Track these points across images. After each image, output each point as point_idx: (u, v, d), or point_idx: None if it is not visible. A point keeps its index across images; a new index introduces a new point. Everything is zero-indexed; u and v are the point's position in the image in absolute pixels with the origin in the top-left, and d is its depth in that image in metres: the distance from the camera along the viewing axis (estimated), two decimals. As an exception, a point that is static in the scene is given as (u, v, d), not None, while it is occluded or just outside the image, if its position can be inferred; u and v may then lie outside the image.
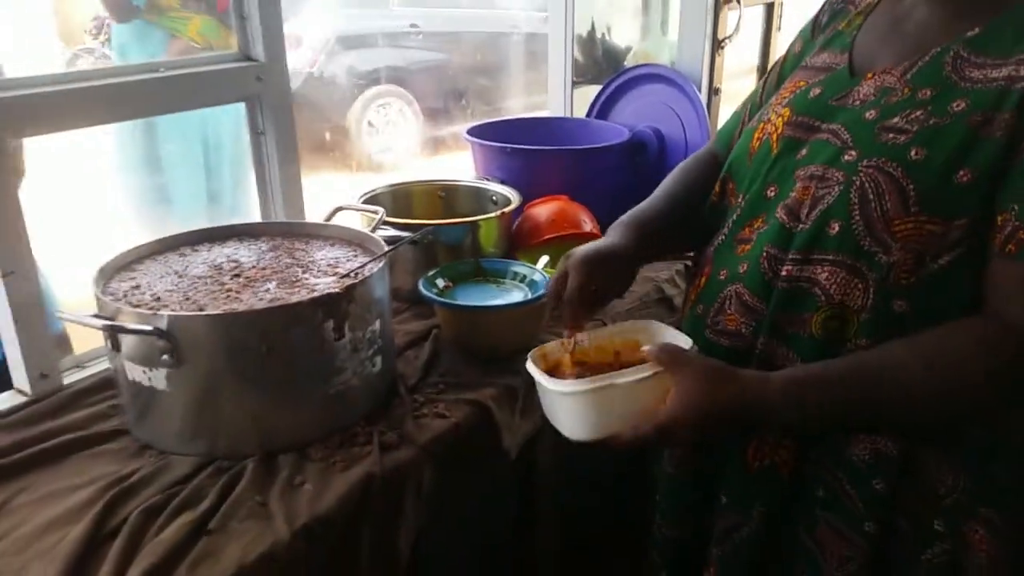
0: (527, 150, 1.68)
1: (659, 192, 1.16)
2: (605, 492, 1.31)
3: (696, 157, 1.20)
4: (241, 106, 1.39)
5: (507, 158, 1.69)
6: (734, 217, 1.00)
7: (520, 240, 1.55)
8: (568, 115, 2.07)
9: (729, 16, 1.85)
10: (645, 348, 0.89)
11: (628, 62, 2.10)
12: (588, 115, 1.99)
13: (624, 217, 1.11)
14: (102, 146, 2.73)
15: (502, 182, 1.65)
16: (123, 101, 1.19)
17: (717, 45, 1.82)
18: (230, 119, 2.66)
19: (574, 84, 2.03)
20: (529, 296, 1.28)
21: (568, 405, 0.90)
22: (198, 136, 2.64)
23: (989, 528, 0.90)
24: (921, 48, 0.88)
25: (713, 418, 0.85)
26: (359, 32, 5.34)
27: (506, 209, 1.51)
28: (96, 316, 0.98)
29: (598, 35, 2.16)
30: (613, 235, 1.08)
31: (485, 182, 1.68)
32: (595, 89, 1.98)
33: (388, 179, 1.66)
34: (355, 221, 1.43)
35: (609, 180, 1.70)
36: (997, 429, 0.90)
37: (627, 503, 1.20)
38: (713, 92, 1.88)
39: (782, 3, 2.18)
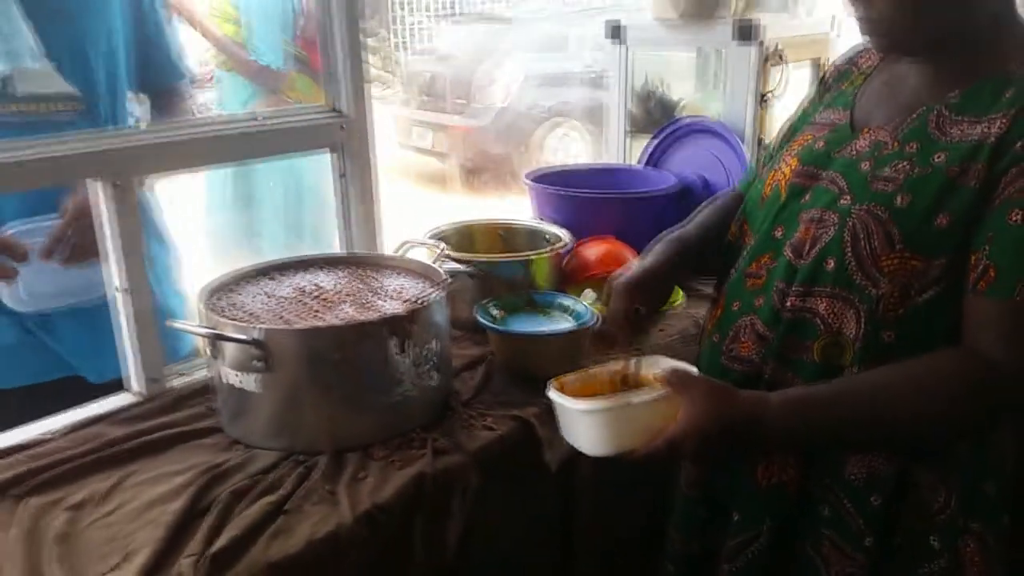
0: (579, 195, 1.84)
1: (694, 218, 1.31)
2: (636, 508, 1.43)
3: (724, 194, 1.35)
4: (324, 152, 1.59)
5: (562, 202, 1.85)
6: (744, 254, 1.13)
7: (570, 276, 1.69)
8: (623, 163, 2.23)
9: (774, 73, 1.98)
10: (658, 372, 1.02)
11: (679, 114, 2.24)
12: (641, 162, 2.14)
13: (663, 235, 1.26)
14: (198, 184, 3.02)
15: (557, 223, 1.81)
16: (227, 147, 1.40)
17: (762, 100, 1.95)
18: (310, 163, 2.92)
19: (630, 135, 2.20)
20: (574, 326, 1.43)
21: (587, 423, 1.01)
22: (281, 178, 2.91)
23: (980, 543, 1.00)
24: (910, 108, 1.02)
25: (717, 434, 0.95)
26: (544, 72, 6.59)
27: (557, 247, 1.67)
28: (203, 326, 1.16)
29: (653, 89, 2.31)
30: (652, 254, 1.21)
31: (541, 223, 1.83)
32: (645, 139, 2.13)
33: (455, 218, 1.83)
34: (422, 254, 1.60)
35: (655, 223, 1.83)
36: (984, 448, 1.00)
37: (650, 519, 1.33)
38: (758, 144, 2.01)
39: (828, 60, 2.30)
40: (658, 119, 2.25)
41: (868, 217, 0.98)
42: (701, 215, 1.32)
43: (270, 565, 0.97)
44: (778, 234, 1.09)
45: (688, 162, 2.02)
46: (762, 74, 1.96)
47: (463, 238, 1.80)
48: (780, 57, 1.97)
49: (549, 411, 1.33)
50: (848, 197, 1.01)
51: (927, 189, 0.95)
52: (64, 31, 1.44)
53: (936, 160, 0.96)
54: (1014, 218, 0.90)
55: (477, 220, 1.86)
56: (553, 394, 1.06)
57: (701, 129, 2.01)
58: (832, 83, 1.19)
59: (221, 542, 0.99)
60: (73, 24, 1.46)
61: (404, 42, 16.12)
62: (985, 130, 0.94)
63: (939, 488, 1.00)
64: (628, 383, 1.11)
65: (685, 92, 2.40)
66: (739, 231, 1.19)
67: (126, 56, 1.54)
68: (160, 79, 1.64)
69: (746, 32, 1.93)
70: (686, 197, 1.93)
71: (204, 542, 0.99)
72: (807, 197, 1.07)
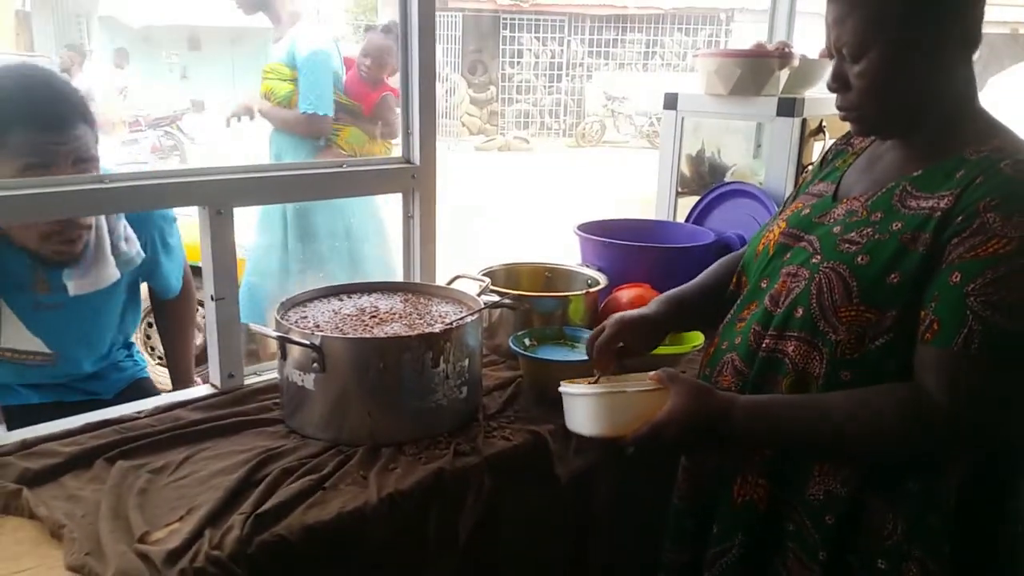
0: (621, 244, 2.02)
1: (697, 279, 1.51)
2: (636, 520, 1.58)
3: (732, 255, 1.52)
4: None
5: (605, 249, 2.04)
6: (739, 301, 1.31)
7: (603, 316, 1.87)
8: (670, 219, 2.40)
9: (815, 146, 2.13)
10: (652, 373, 1.20)
11: (728, 178, 2.41)
12: (689, 219, 2.31)
13: (665, 294, 1.48)
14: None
15: (600, 269, 1.99)
16: (316, 185, 1.67)
17: (801, 169, 2.10)
18: (369, 203, 3.28)
19: (679, 194, 2.38)
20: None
21: (585, 406, 1.21)
22: (341, 216, 3.23)
23: (922, 569, 1.12)
24: (882, 182, 1.20)
25: (692, 424, 1.13)
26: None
27: (592, 289, 1.85)
28: (277, 330, 1.40)
29: (707, 154, 2.49)
30: (651, 306, 1.45)
31: (584, 267, 2.03)
32: (693, 199, 2.31)
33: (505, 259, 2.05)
34: (471, 286, 1.81)
35: (691, 274, 2.00)
36: (930, 483, 1.13)
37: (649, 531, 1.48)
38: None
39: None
40: (708, 182, 2.42)
41: (832, 273, 1.14)
42: (705, 274, 1.52)
43: (305, 527, 1.18)
44: (763, 285, 1.27)
45: (729, 221, 2.18)
46: (803, 146, 2.11)
47: (511, 276, 2.00)
48: (821, 131, 2.11)
49: (565, 430, 1.51)
50: (819, 256, 1.18)
51: (883, 252, 1.11)
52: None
53: (894, 227, 1.12)
54: (954, 279, 1.05)
55: (525, 260, 2.07)
56: (564, 384, 1.27)
57: (744, 193, 2.17)
58: (829, 160, 1.38)
59: (267, 506, 1.20)
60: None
61: (510, 97, 16.77)
62: (935, 204, 1.09)
63: (888, 515, 1.13)
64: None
65: (738, 158, 2.56)
66: (738, 282, 1.39)
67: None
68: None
69: (788, 108, 2.09)
70: (724, 253, 2.08)
71: (254, 505, 1.20)
72: (788, 255, 1.25)
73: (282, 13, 3.23)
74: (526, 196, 9.86)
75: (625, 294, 1.89)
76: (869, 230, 1.14)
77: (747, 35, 15.99)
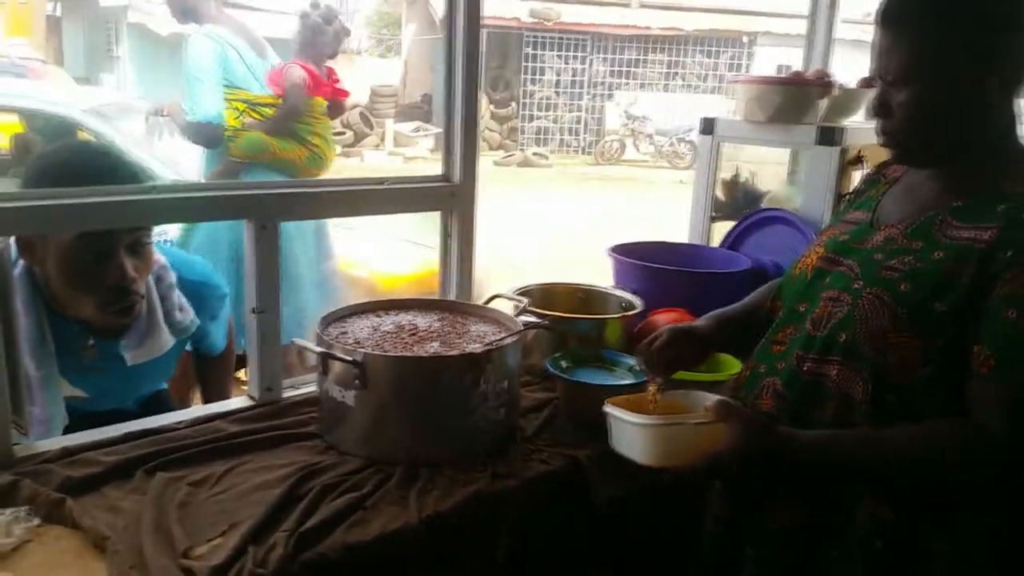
0: (656, 268, 2.02)
1: (743, 301, 1.54)
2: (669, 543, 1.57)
3: (775, 282, 1.53)
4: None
5: (640, 273, 2.03)
6: (775, 324, 1.31)
7: (639, 339, 1.86)
8: (704, 243, 2.40)
9: (854, 175, 2.12)
10: (709, 403, 1.19)
11: (764, 204, 2.40)
12: (722, 245, 2.31)
13: (713, 313, 1.51)
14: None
15: (634, 292, 1.99)
16: (356, 202, 1.67)
17: (840, 198, 2.09)
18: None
19: (713, 219, 2.37)
20: (632, 381, 1.60)
21: (643, 436, 1.19)
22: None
23: None
24: (920, 211, 1.20)
25: (753, 457, 1.13)
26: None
27: (629, 313, 1.84)
28: (318, 345, 1.40)
29: (741, 179, 2.48)
30: (701, 320, 1.49)
31: (618, 290, 2.02)
32: (728, 224, 2.30)
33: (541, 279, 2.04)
34: (507, 306, 1.81)
35: (726, 302, 1.98)
36: (983, 513, 1.13)
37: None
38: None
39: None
40: (743, 207, 2.41)
41: (875, 299, 1.15)
42: (751, 297, 1.53)
43: (346, 547, 1.18)
44: (801, 309, 1.27)
45: (765, 248, 2.17)
46: (842, 176, 2.10)
47: (546, 296, 2.00)
48: (860, 161, 2.10)
49: (600, 454, 1.50)
50: (861, 282, 1.19)
51: (926, 280, 1.12)
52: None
53: (935, 256, 1.13)
54: (1009, 315, 1.06)
55: (560, 282, 2.06)
56: (612, 409, 1.25)
57: (780, 220, 2.16)
58: (863, 189, 1.38)
59: (310, 524, 1.20)
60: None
61: (531, 114, 16.84)
62: (977, 235, 1.11)
63: (939, 541, 1.13)
64: (661, 406, 1.32)
65: (774, 184, 2.55)
66: (772, 306, 1.39)
67: None
68: None
69: (828, 136, 2.09)
70: (759, 280, 2.07)
71: (296, 522, 1.20)
72: (827, 279, 1.25)
73: (218, 16, 3.08)
74: (546, 214, 9.87)
75: (661, 318, 1.88)
76: (910, 258, 1.15)
77: (770, 59, 16.03)
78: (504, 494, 1.36)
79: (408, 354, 1.42)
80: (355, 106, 15.70)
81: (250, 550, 1.13)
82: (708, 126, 2.34)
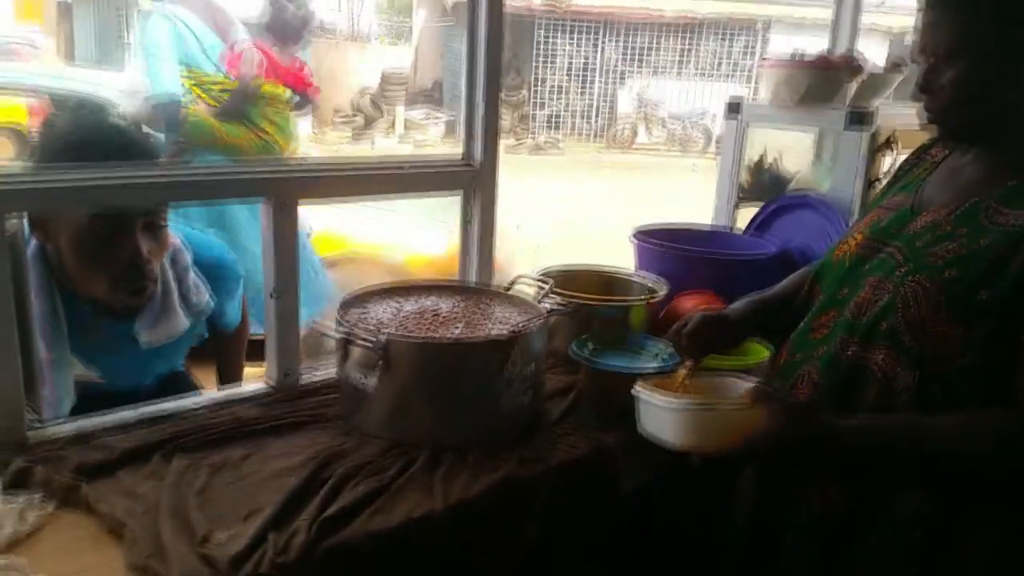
0: (682, 253, 1.97)
1: (778, 287, 1.49)
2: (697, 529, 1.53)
3: (810, 267, 1.48)
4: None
5: (664, 257, 1.98)
6: (815, 312, 1.26)
7: (664, 324, 1.81)
8: (728, 228, 2.34)
9: (885, 159, 2.06)
10: (744, 388, 1.16)
11: (791, 187, 2.35)
12: (748, 229, 2.25)
13: (747, 298, 1.47)
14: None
15: (658, 276, 1.94)
16: (376, 184, 1.63)
17: (869, 183, 2.04)
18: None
19: (738, 203, 2.32)
20: (660, 367, 1.55)
21: (676, 419, 1.15)
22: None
23: None
24: (965, 196, 1.16)
25: (788, 446, 1.10)
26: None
27: (656, 296, 1.80)
28: (339, 329, 1.36)
29: (768, 162, 2.43)
30: (734, 306, 1.45)
31: (642, 274, 1.97)
32: (754, 208, 2.24)
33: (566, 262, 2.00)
34: (529, 289, 1.76)
35: (754, 287, 1.93)
36: None
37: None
38: (859, 223, 2.08)
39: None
40: (768, 190, 2.36)
41: (919, 287, 1.11)
42: (786, 282, 1.48)
43: (370, 534, 1.14)
44: (843, 295, 1.23)
45: (794, 233, 2.12)
46: (872, 160, 2.04)
47: (567, 280, 1.95)
48: (891, 145, 2.05)
49: (627, 439, 1.46)
50: (904, 268, 1.15)
51: (973, 267, 1.08)
52: None
53: (981, 243, 1.09)
54: None
55: (581, 265, 2.02)
56: (643, 391, 1.21)
57: (809, 204, 2.11)
58: (905, 172, 1.33)
59: (332, 510, 1.16)
60: None
61: (543, 100, 16.73)
62: None
63: (981, 533, 1.10)
64: (692, 390, 1.30)
65: (800, 167, 2.50)
66: (809, 291, 1.35)
67: None
68: None
69: (858, 119, 2.03)
70: (787, 265, 2.02)
71: (318, 508, 1.16)
72: (869, 265, 1.21)
73: None
74: (560, 200, 9.79)
75: (687, 303, 1.84)
76: (954, 245, 1.12)
77: (784, 45, 15.85)
78: (531, 480, 1.32)
79: (432, 337, 1.38)
80: (366, 91, 15.64)
81: (271, 537, 1.09)
82: (734, 108, 2.28)
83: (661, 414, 1.19)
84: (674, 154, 14.93)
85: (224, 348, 2.03)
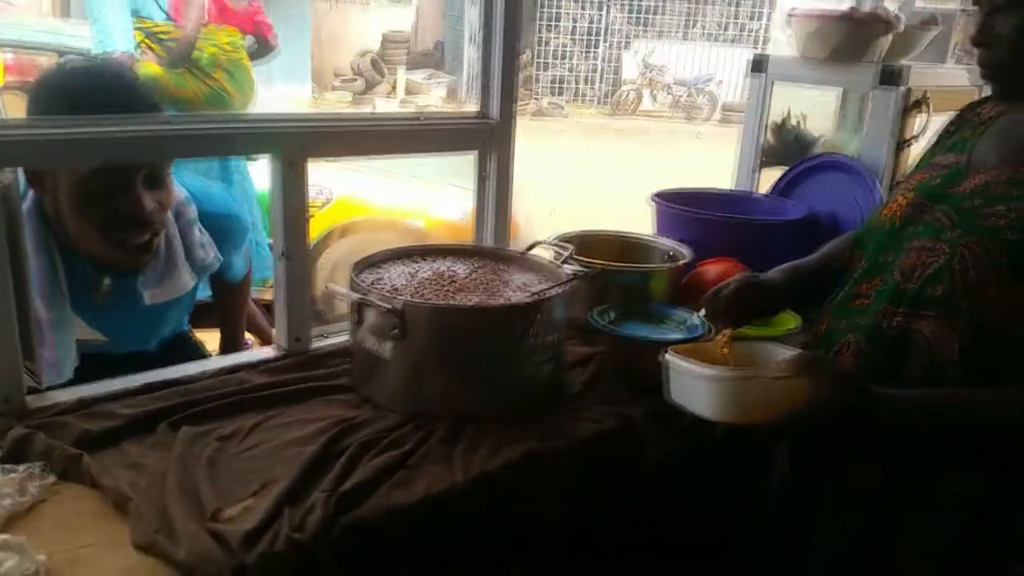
0: (705, 217, 1.89)
1: (819, 253, 1.42)
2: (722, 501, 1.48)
3: (853, 233, 1.41)
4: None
5: (685, 222, 1.90)
6: (857, 278, 1.19)
7: (686, 291, 1.75)
8: (751, 191, 2.26)
9: (917, 120, 1.97)
10: (784, 356, 1.09)
11: (817, 150, 2.26)
12: (771, 193, 2.17)
13: (786, 264, 1.40)
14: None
15: (680, 241, 1.86)
16: (390, 141, 1.55)
17: (901, 144, 1.95)
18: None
19: (762, 165, 2.23)
20: (686, 336, 1.48)
21: (712, 389, 1.07)
22: None
23: None
24: (1022, 155, 1.08)
25: (835, 417, 1.01)
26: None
27: (679, 263, 1.73)
28: (354, 292, 1.29)
29: (792, 123, 2.34)
30: (772, 273, 1.38)
31: (663, 239, 1.90)
32: (778, 171, 2.16)
33: (581, 227, 1.92)
34: (547, 254, 1.69)
35: (780, 253, 1.86)
36: None
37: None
38: (894, 185, 2.00)
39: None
40: (792, 153, 2.27)
41: (977, 248, 1.03)
42: (828, 248, 1.42)
43: (389, 510, 1.08)
44: (888, 259, 1.16)
45: (821, 197, 2.04)
46: (903, 120, 1.96)
47: (586, 245, 1.87)
48: (923, 105, 1.96)
49: (653, 414, 1.40)
50: (958, 230, 1.07)
51: None
52: None
53: None
54: None
55: (600, 230, 1.94)
56: (676, 359, 1.13)
57: (838, 166, 2.02)
58: (954, 130, 1.26)
59: (349, 484, 1.10)
60: None
61: (546, 62, 16.47)
62: None
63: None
64: (728, 358, 1.22)
65: (825, 129, 2.41)
66: (851, 256, 1.28)
67: None
68: None
69: (890, 77, 1.94)
70: (815, 231, 1.95)
71: (335, 482, 1.10)
72: (918, 227, 1.13)
73: None
74: (566, 162, 9.66)
75: (711, 269, 1.76)
76: (1015, 204, 1.03)
77: (792, 6, 15.54)
78: (553, 454, 1.26)
79: (452, 303, 1.31)
80: (366, 53, 15.41)
81: (285, 512, 1.03)
82: (760, 64, 2.18)
83: (695, 383, 1.11)
84: (679, 120, 14.74)
85: (228, 299, 1.97)
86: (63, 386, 1.35)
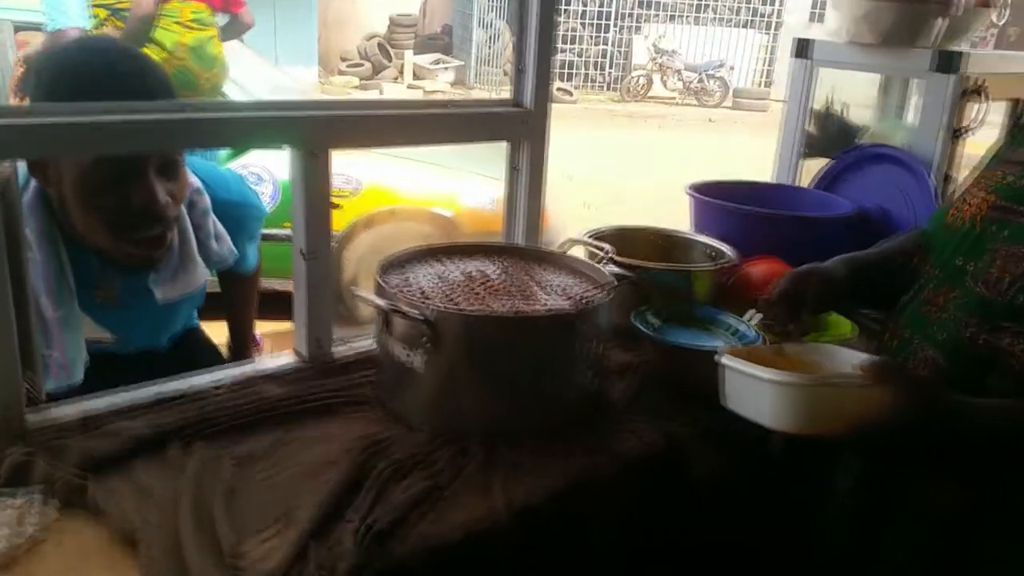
0: (746, 211, 1.77)
1: (880, 248, 1.32)
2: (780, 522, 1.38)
3: (916, 229, 1.31)
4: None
5: (726, 216, 1.79)
6: (930, 285, 1.09)
7: (731, 293, 1.63)
8: (793, 184, 2.14)
9: (973, 109, 1.85)
10: (858, 361, 0.99)
11: (863, 142, 2.13)
12: (815, 186, 2.05)
13: (845, 256, 1.31)
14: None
15: (716, 237, 1.75)
16: (418, 129, 1.43)
17: (955, 134, 1.83)
18: None
19: (804, 155, 2.10)
20: (738, 345, 1.37)
21: (777, 395, 0.97)
22: None
23: None
24: None
25: (917, 431, 0.92)
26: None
27: (724, 263, 1.61)
28: (381, 297, 1.18)
29: (834, 111, 2.21)
30: (830, 263, 1.29)
31: (702, 236, 1.78)
32: (820, 162, 2.04)
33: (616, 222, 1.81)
34: (580, 252, 1.58)
35: (826, 251, 1.75)
36: None
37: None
38: (945, 179, 1.88)
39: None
40: (835, 143, 2.15)
41: None
42: (891, 244, 1.31)
43: (427, 549, 0.97)
44: (967, 267, 1.04)
45: (868, 191, 1.91)
46: (958, 108, 1.83)
47: (622, 241, 1.75)
48: (981, 92, 1.83)
49: (703, 428, 1.29)
50: None
51: None
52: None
53: None
54: None
55: (636, 225, 1.83)
56: (735, 363, 1.04)
57: (886, 158, 1.90)
58: None
59: (380, 515, 0.99)
60: None
61: (556, 47, 16.26)
62: None
63: None
64: (786, 362, 1.12)
65: (863, 118, 2.28)
66: (920, 262, 1.17)
67: None
68: None
69: (946, 62, 1.81)
70: (865, 228, 1.83)
71: (364, 513, 0.99)
72: (1005, 232, 1.02)
73: None
74: (583, 151, 9.51)
75: (756, 270, 1.65)
76: None
77: (805, -9, 15.37)
78: (600, 478, 1.15)
79: (489, 312, 1.20)
80: (373, 37, 15.24)
81: (312, 549, 0.93)
82: (803, 48, 2.05)
83: (759, 389, 1.01)
84: (690, 105, 14.56)
85: (239, 291, 1.86)
86: (66, 396, 1.25)
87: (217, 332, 1.93)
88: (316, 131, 1.27)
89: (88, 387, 1.40)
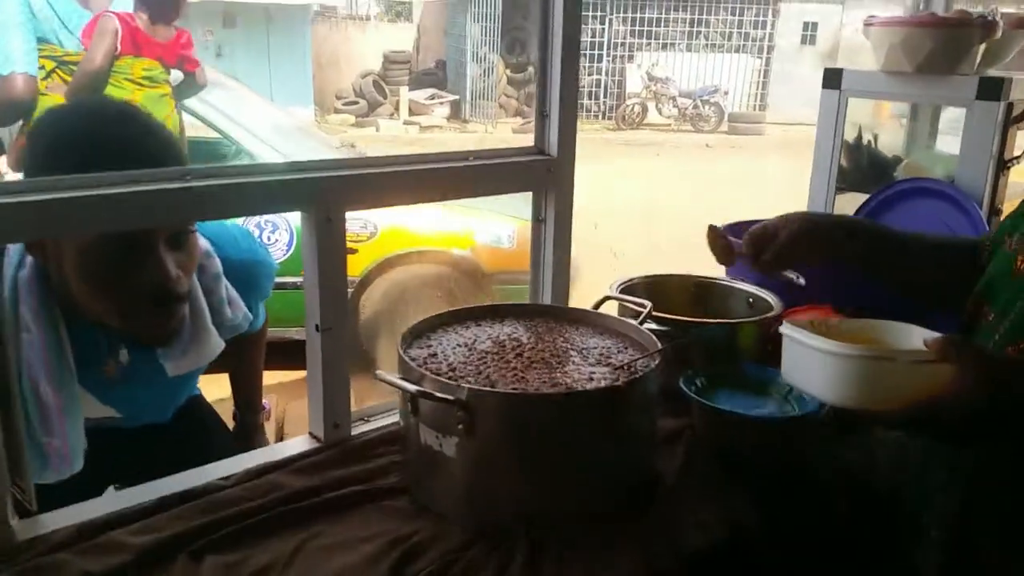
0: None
1: (922, 233, 1.32)
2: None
3: (964, 240, 1.30)
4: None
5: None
6: (995, 338, 0.99)
7: (776, 348, 1.51)
8: (827, 221, 2.03)
9: (1020, 136, 1.75)
10: (926, 336, 0.92)
11: (898, 174, 2.03)
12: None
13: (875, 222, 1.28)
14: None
15: (751, 282, 1.63)
16: (439, 184, 1.31)
17: (1003, 165, 1.72)
18: None
19: (837, 191, 2.00)
20: (798, 412, 1.25)
21: (839, 368, 0.92)
22: None
23: None
24: None
25: (979, 407, 0.84)
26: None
27: (769, 314, 1.49)
28: (405, 380, 1.06)
29: (864, 142, 2.11)
30: (851, 218, 1.26)
31: (739, 282, 1.66)
32: (856, 197, 1.92)
33: (644, 271, 1.69)
34: (613, 308, 1.46)
35: (875, 294, 1.63)
36: None
37: None
38: (994, 212, 1.77)
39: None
40: (867, 177, 2.04)
41: None
42: (925, 232, 1.32)
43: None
44: None
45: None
46: (1006, 136, 1.73)
47: (655, 292, 1.64)
48: (1027, 119, 1.73)
49: (766, 509, 1.17)
50: None
51: None
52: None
53: None
54: None
55: (668, 273, 1.71)
56: (795, 332, 1.00)
57: (929, 192, 1.79)
58: None
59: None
60: None
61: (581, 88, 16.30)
62: None
63: None
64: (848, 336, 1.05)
65: (893, 147, 2.18)
66: (975, 309, 1.07)
67: None
68: None
69: (992, 89, 1.71)
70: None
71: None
72: None
73: None
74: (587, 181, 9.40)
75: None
76: None
77: (797, 16, 15.46)
78: (659, 573, 1.02)
79: (529, 390, 1.07)
80: (368, 74, 15.27)
81: None
82: (834, 78, 1.94)
83: (821, 361, 0.95)
84: (686, 131, 14.55)
85: (245, 351, 1.74)
86: (60, 493, 1.12)
87: (219, 384, 1.81)
88: (331, 193, 1.16)
89: (87, 464, 1.30)
